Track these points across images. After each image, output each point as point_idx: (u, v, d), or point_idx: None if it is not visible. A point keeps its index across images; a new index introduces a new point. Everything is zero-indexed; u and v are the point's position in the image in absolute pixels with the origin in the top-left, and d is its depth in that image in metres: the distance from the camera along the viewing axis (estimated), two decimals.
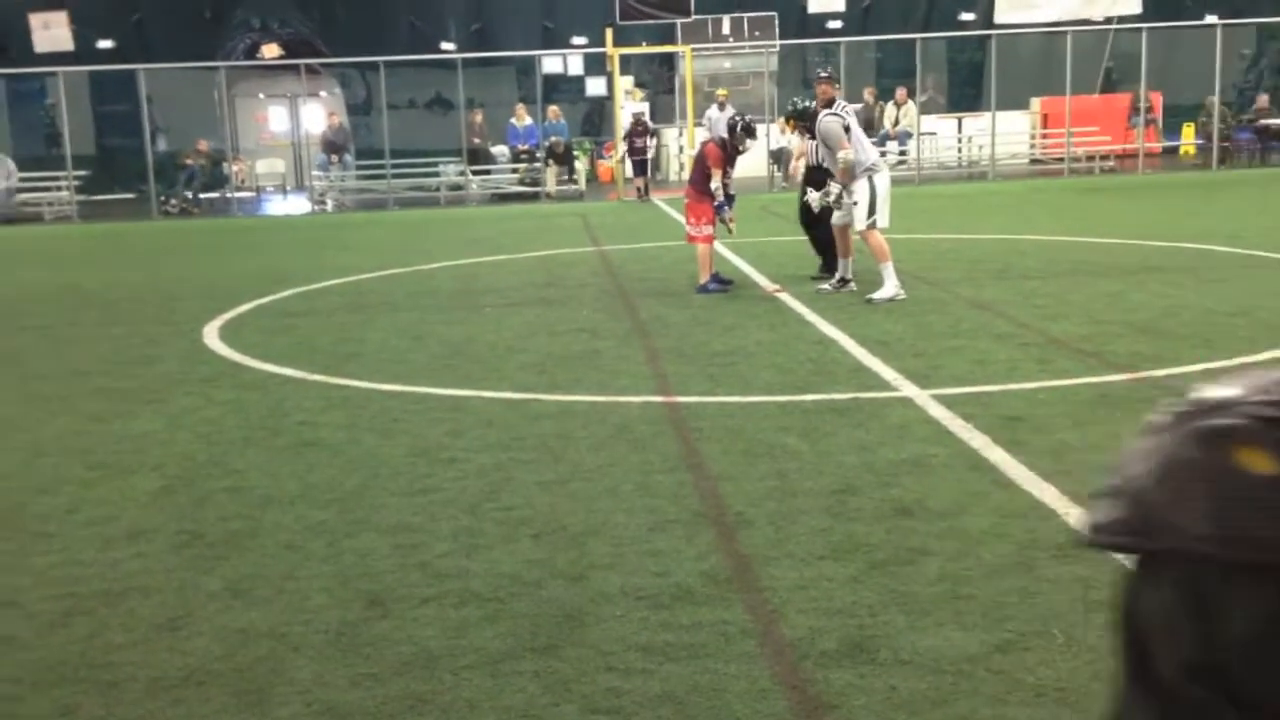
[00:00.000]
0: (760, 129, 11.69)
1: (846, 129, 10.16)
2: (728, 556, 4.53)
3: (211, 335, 9.58)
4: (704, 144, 11.51)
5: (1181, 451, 0.88)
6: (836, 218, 10.43)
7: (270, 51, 27.63)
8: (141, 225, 21.70)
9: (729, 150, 10.90)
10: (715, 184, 10.76)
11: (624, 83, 26.24)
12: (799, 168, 11.65)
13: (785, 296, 10.42)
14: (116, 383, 7.98)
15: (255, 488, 5.56)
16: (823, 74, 11.26)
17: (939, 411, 6.39)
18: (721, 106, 21.50)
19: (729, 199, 10.97)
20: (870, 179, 10.10)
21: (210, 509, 5.29)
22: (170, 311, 10.99)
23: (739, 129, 10.93)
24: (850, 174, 10.10)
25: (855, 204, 10.10)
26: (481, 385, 7.47)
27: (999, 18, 27.85)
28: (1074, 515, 4.72)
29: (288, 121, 29.13)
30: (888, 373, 7.36)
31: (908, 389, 6.93)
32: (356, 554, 4.67)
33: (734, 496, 5.19)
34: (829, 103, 10.44)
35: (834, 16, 28.52)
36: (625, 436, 6.21)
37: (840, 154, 10.08)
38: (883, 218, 10.12)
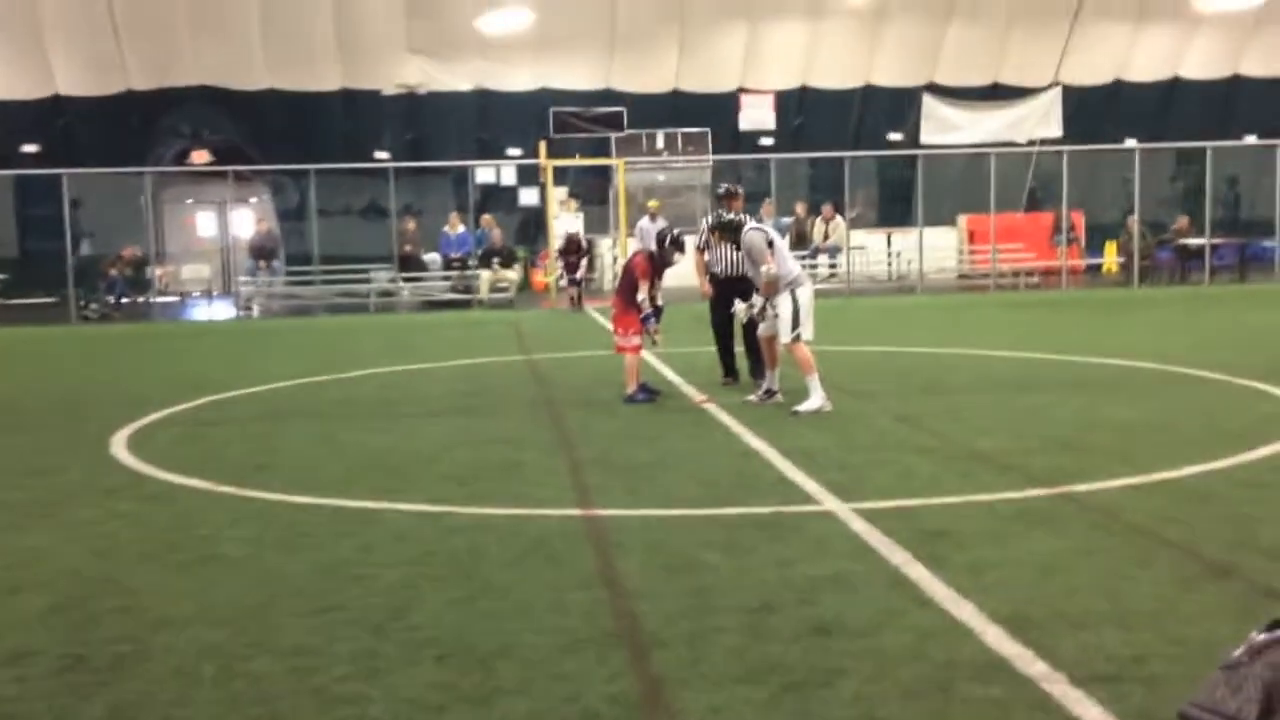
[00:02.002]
0: (691, 241, 11.69)
1: (770, 243, 10.22)
2: (639, 679, 4.34)
3: (119, 444, 9.29)
4: (632, 255, 11.52)
5: None
6: (762, 329, 10.44)
7: (200, 158, 27.55)
8: (59, 330, 21.30)
9: (658, 262, 10.91)
10: (642, 295, 10.74)
11: (558, 193, 26.47)
12: (705, 284, 11.72)
13: (712, 407, 10.34)
14: (10, 494, 7.67)
15: (148, 607, 5.29)
16: (731, 189, 11.37)
17: (861, 526, 6.28)
18: (653, 217, 21.67)
19: (657, 311, 10.94)
20: (793, 292, 10.13)
21: (99, 630, 5.02)
22: (78, 419, 10.68)
23: (668, 242, 10.96)
24: (773, 287, 10.13)
25: (777, 317, 10.12)
26: (396, 497, 7.26)
27: (924, 138, 28.60)
28: (991, 634, 4.61)
29: (216, 227, 28.97)
30: (811, 486, 7.26)
31: (830, 503, 6.83)
32: (249, 678, 4.42)
33: (649, 615, 5.01)
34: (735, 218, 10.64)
35: (766, 134, 29.12)
36: (541, 551, 6.02)
37: (763, 268, 10.12)
38: (807, 330, 10.14)
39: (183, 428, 10.19)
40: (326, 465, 8.38)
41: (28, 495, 7.64)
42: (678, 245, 10.97)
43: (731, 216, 10.80)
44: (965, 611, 4.92)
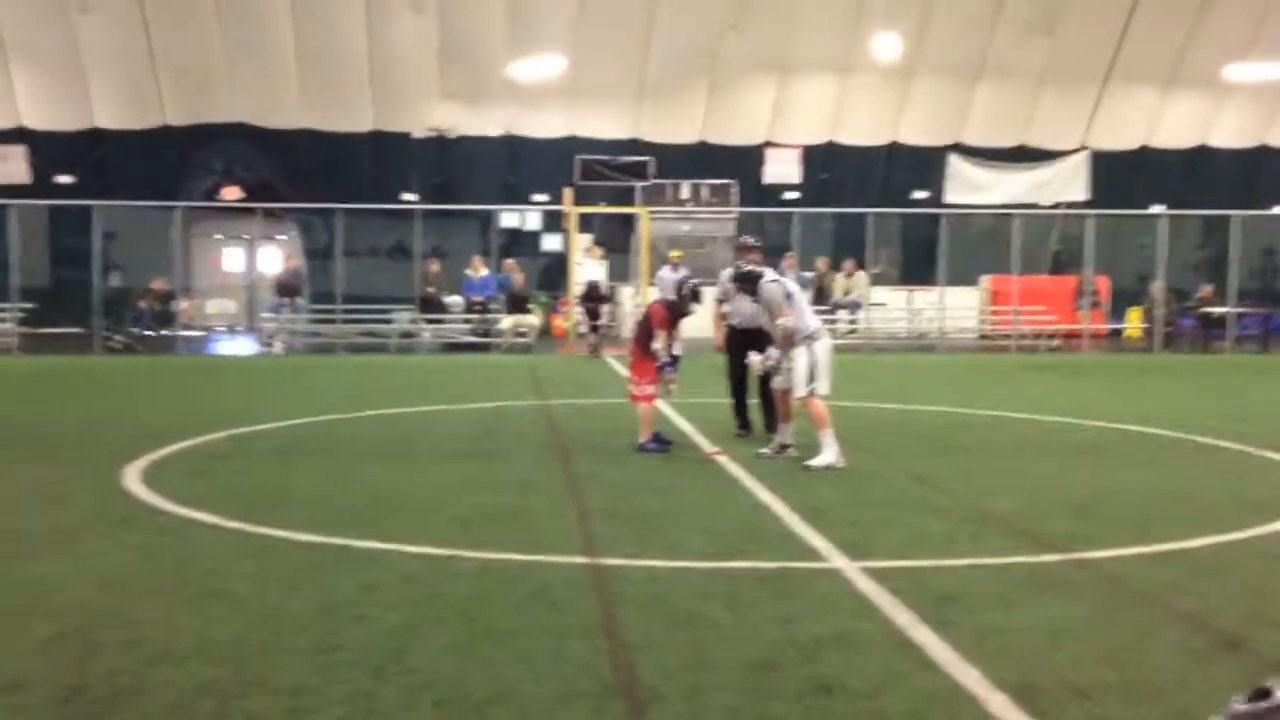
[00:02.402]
0: (709, 292, 11.76)
1: (788, 296, 10.24)
2: None
3: (133, 476, 9.31)
4: (651, 304, 11.54)
5: None
6: (777, 382, 10.43)
7: (231, 194, 27.84)
8: (83, 360, 21.45)
9: (675, 312, 10.94)
10: (659, 345, 10.75)
11: (583, 240, 26.60)
12: (719, 334, 11.81)
13: (724, 459, 10.31)
14: (22, 522, 7.70)
15: (151, 640, 5.28)
16: (752, 241, 11.48)
17: (867, 585, 6.23)
18: (674, 268, 21.57)
19: (673, 360, 10.95)
20: (810, 346, 10.13)
21: (100, 662, 5.01)
22: (94, 450, 10.72)
23: (686, 291, 10.99)
24: (789, 340, 10.13)
25: (791, 370, 10.12)
26: (404, 539, 7.25)
27: (948, 198, 28.66)
28: (995, 702, 4.56)
29: (244, 263, 29.21)
30: (819, 542, 7.22)
31: (838, 560, 6.78)
32: (245, 716, 4.40)
33: (649, 668, 4.98)
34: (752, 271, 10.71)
35: (791, 188, 29.24)
36: (544, 599, 5.99)
37: (780, 321, 10.12)
38: (823, 385, 10.12)
39: (196, 461, 10.22)
40: (336, 503, 8.38)
41: (39, 524, 7.66)
42: (695, 296, 11.00)
43: (750, 268, 10.83)
44: (970, 677, 4.86)
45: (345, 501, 8.48)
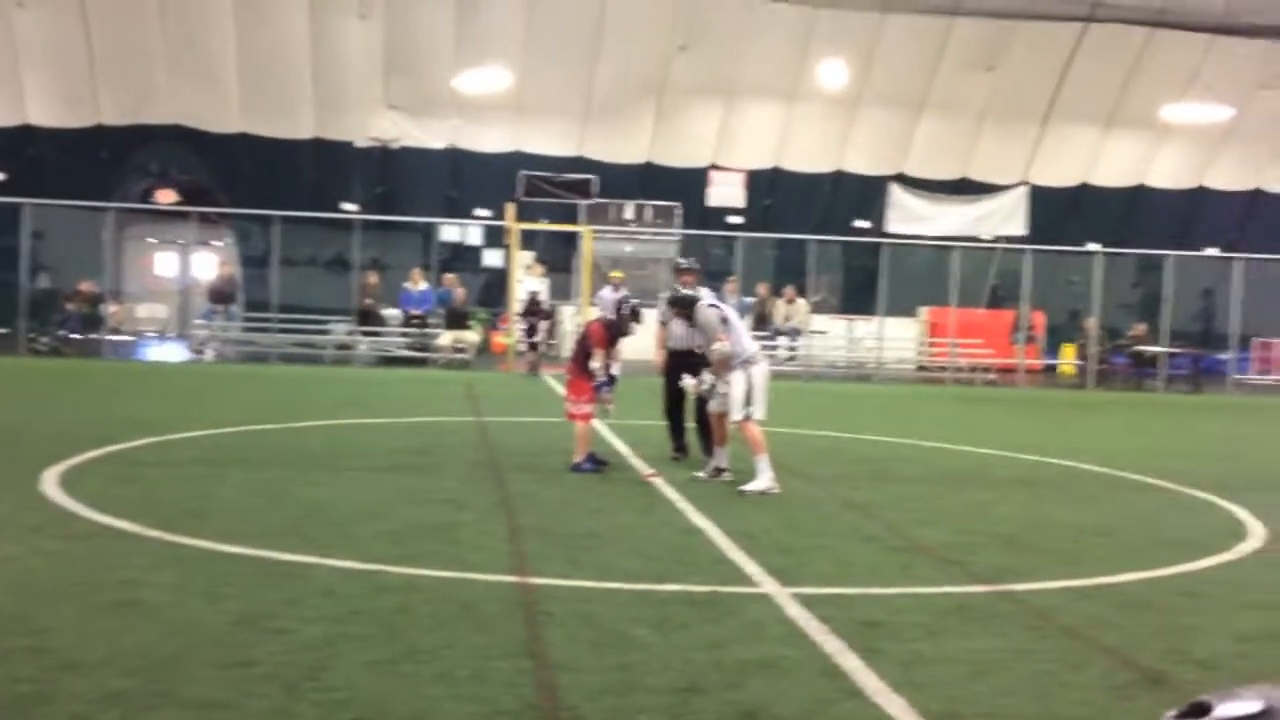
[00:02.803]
0: (651, 314, 11.74)
1: (724, 320, 10.23)
2: None
3: (51, 481, 9.07)
4: (589, 323, 11.48)
5: None
6: (712, 405, 10.40)
7: (166, 197, 27.41)
8: (6, 362, 20.97)
9: (614, 332, 10.88)
10: (597, 364, 10.69)
11: (524, 257, 26.48)
12: (661, 357, 11.78)
13: (659, 482, 10.25)
14: None
15: (58, 649, 5.11)
16: (686, 264, 11.52)
17: (796, 611, 6.19)
18: (615, 288, 21.51)
19: (610, 380, 10.89)
20: (747, 371, 10.11)
21: (2, 668, 4.83)
22: (12, 453, 10.44)
23: (625, 311, 10.95)
24: (724, 365, 10.12)
25: (727, 394, 10.09)
26: (329, 552, 7.10)
27: (889, 227, 28.91)
28: None
29: (177, 268, 28.76)
30: (750, 567, 7.17)
31: (768, 585, 6.74)
32: None
33: (572, 689, 4.89)
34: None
35: (734, 212, 29.33)
36: (470, 616, 5.89)
37: (715, 345, 10.11)
38: (759, 410, 10.10)
39: (118, 467, 9.99)
40: (261, 515, 8.21)
41: None
42: (635, 315, 10.96)
43: (686, 292, 10.82)
44: (895, 706, 4.83)
45: (271, 513, 8.31)
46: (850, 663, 5.37)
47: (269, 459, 10.72)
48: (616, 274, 21.91)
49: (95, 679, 4.75)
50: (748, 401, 10.04)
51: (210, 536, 7.37)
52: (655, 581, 6.75)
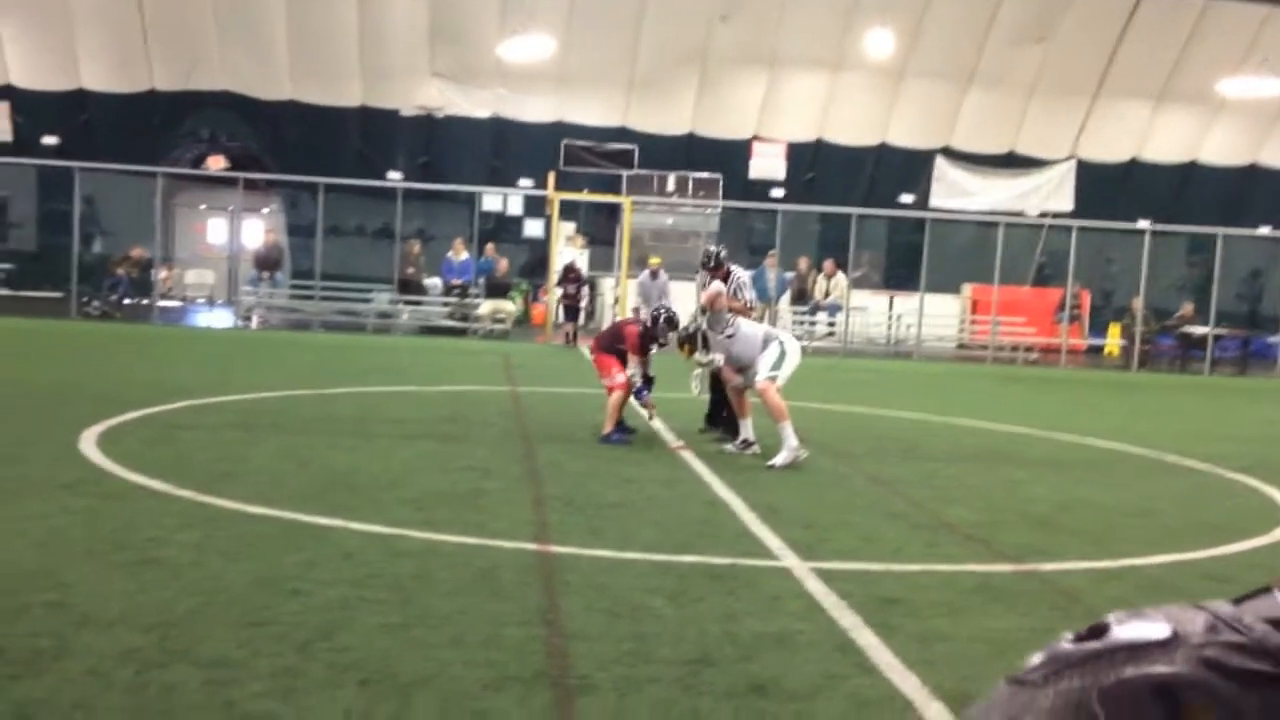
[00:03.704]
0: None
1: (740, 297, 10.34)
2: None
3: (88, 440, 9.20)
4: (626, 323, 11.31)
5: (1087, 712, 0.63)
6: (736, 383, 10.38)
7: (215, 163, 27.60)
8: (57, 325, 21.27)
9: (647, 340, 10.80)
10: (632, 370, 10.66)
11: (566, 228, 26.47)
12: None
13: (688, 455, 10.24)
14: None
15: (78, 605, 5.19)
16: (713, 254, 11.45)
17: (815, 586, 6.17)
18: (654, 274, 21.31)
19: (648, 382, 10.85)
20: (780, 340, 10.14)
21: (22, 623, 4.92)
22: (54, 412, 10.60)
23: (661, 321, 10.84)
24: (717, 309, 10.20)
25: (749, 370, 10.11)
26: (352, 516, 7.16)
27: (933, 202, 28.58)
28: (932, 710, 4.50)
29: (226, 235, 28.99)
30: (772, 541, 7.15)
31: (789, 559, 6.72)
32: (162, 686, 4.32)
33: (584, 658, 4.90)
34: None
35: (776, 184, 29.12)
36: (487, 583, 5.92)
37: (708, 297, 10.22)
38: (783, 375, 10.04)
39: (156, 429, 10.11)
40: (290, 479, 8.28)
41: None
42: (671, 324, 10.85)
43: (717, 250, 11.01)
44: (909, 683, 4.80)
45: (300, 477, 8.38)
46: (866, 638, 5.35)
47: (302, 424, 10.81)
48: (654, 260, 21.74)
49: (112, 635, 4.82)
50: (776, 365, 10.00)
51: (238, 498, 7.46)
52: (675, 553, 6.75)
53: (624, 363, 10.73)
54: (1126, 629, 0.68)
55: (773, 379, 9.96)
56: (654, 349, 10.93)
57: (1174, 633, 0.67)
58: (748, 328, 10.36)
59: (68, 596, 5.29)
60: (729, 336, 10.23)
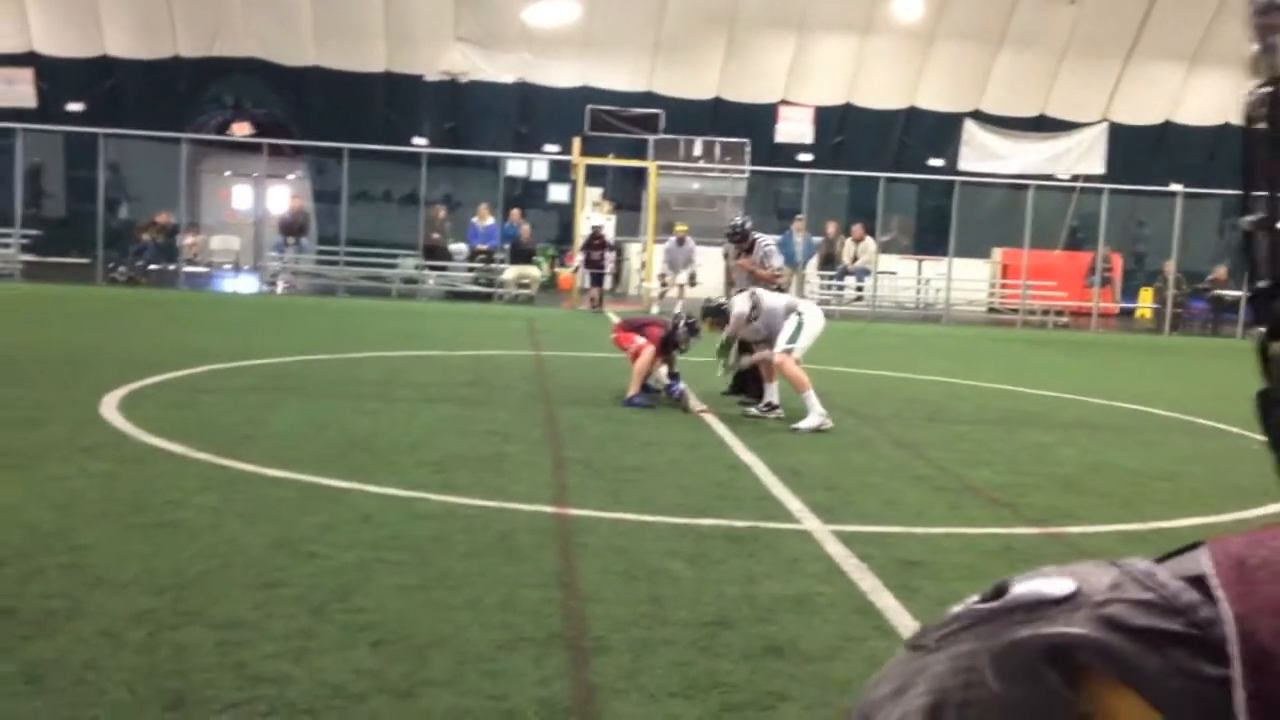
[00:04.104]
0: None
1: (754, 309, 10.21)
2: (574, 684, 4.19)
3: (110, 405, 9.21)
4: (652, 325, 11.10)
5: (978, 677, 0.57)
6: (759, 354, 10.32)
7: (240, 129, 27.60)
8: (83, 290, 21.37)
9: (669, 345, 10.66)
10: (662, 373, 10.51)
11: (592, 194, 26.35)
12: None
13: (710, 418, 10.17)
14: None
15: (92, 566, 5.17)
16: (737, 225, 11.33)
17: (836, 549, 6.10)
18: (681, 241, 21.30)
19: (675, 378, 10.65)
20: (799, 312, 10.04)
21: (36, 584, 4.91)
22: (76, 377, 10.61)
23: (683, 326, 10.69)
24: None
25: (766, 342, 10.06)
26: (371, 479, 7.13)
27: (962, 165, 28.30)
28: None
29: (251, 201, 29.02)
30: (794, 503, 7.08)
31: (810, 522, 6.65)
32: (174, 647, 4.29)
33: (600, 619, 4.85)
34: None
35: (804, 149, 28.88)
36: (504, 545, 5.87)
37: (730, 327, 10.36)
38: (800, 348, 9.95)
39: (178, 394, 10.11)
40: (310, 441, 8.26)
41: (6, 446, 7.55)
42: (693, 331, 10.69)
43: (718, 302, 10.90)
44: None
45: (320, 440, 8.36)
46: (885, 601, 5.28)
47: (324, 388, 10.79)
48: (681, 227, 21.68)
49: (126, 596, 4.81)
50: (794, 337, 9.91)
51: (257, 461, 7.44)
52: (695, 516, 6.69)
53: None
54: (1025, 586, 0.61)
55: (789, 351, 9.88)
56: (676, 353, 10.75)
57: (1076, 590, 0.61)
58: (770, 300, 10.25)
59: (83, 559, 5.28)
60: (754, 318, 10.15)
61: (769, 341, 10.14)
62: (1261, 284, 0.70)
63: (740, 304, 10.27)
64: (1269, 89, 0.69)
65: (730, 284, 11.68)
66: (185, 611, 4.66)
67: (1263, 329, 0.70)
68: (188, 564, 5.27)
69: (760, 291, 10.39)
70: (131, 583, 4.97)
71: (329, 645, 4.39)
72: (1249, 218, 0.70)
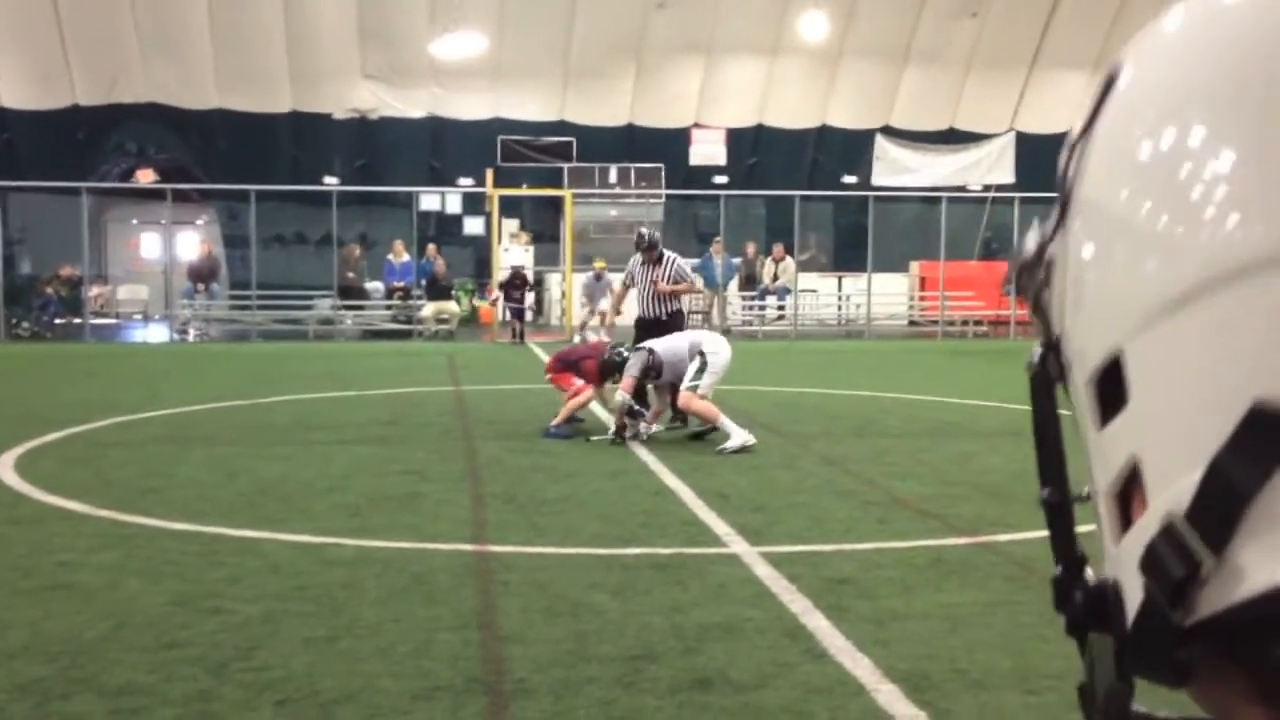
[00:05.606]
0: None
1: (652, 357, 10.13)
2: None
3: (4, 464, 8.80)
4: (584, 356, 10.89)
5: None
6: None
7: (145, 177, 27.01)
8: None
9: (605, 372, 10.47)
10: (621, 397, 10.27)
11: (509, 225, 26.12)
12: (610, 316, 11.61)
13: (634, 445, 9.98)
14: None
15: None
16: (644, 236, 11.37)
17: (764, 571, 5.94)
18: (598, 276, 21.54)
19: (634, 408, 10.40)
20: (701, 353, 9.90)
21: None
22: None
23: (613, 363, 10.49)
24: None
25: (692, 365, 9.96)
26: (282, 527, 6.85)
27: (876, 180, 28.50)
28: (884, 693, 4.27)
29: (160, 248, 28.40)
30: (720, 527, 6.92)
31: (737, 545, 6.48)
32: (64, 718, 4.01)
33: (520, 660, 4.64)
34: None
35: (719, 171, 28.92)
36: (420, 588, 5.63)
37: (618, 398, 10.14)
38: (705, 385, 9.83)
39: (79, 449, 9.72)
40: (219, 491, 7.95)
41: None
42: (624, 364, 10.46)
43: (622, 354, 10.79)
44: (861, 667, 4.58)
45: (229, 489, 8.05)
46: (816, 622, 5.13)
47: (234, 435, 10.45)
48: (599, 263, 21.90)
49: (12, 667, 4.51)
50: (696, 377, 9.80)
51: (162, 515, 7.12)
52: (620, 546, 6.50)
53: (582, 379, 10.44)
54: None
55: (694, 389, 9.77)
56: (613, 380, 10.55)
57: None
58: (668, 351, 10.08)
59: None
60: (654, 377, 10.03)
61: (674, 385, 10.04)
62: (1056, 570, 0.65)
63: (633, 367, 10.04)
64: (1048, 351, 0.63)
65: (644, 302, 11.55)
66: (76, 679, 4.37)
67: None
68: (82, 628, 4.97)
69: (657, 347, 10.16)
70: (19, 652, 4.66)
71: (230, 708, 4.14)
72: (1044, 492, 0.66)
